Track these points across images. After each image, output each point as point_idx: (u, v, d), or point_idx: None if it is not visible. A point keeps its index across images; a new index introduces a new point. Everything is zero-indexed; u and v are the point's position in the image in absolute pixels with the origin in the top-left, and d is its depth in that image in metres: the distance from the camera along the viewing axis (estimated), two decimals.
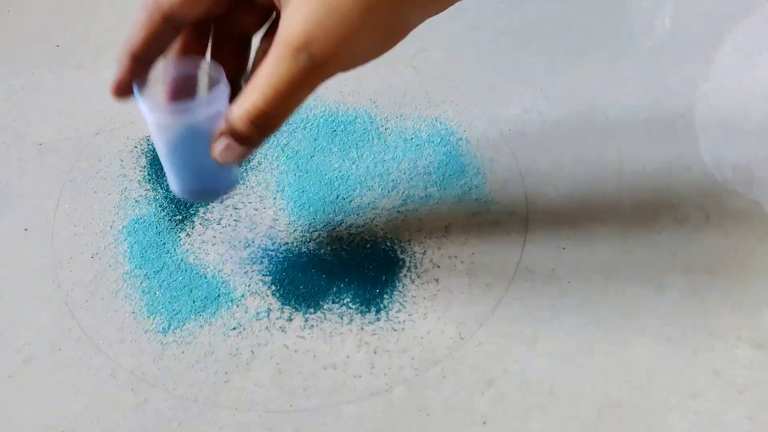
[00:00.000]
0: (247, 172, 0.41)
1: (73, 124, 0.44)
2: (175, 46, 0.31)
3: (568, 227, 0.38)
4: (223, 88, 0.29)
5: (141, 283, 0.36)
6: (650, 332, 0.34)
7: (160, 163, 0.42)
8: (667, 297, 0.35)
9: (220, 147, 0.29)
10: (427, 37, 0.48)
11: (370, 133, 0.43)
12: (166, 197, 0.40)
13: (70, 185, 0.41)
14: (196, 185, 0.33)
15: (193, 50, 0.31)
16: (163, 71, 0.31)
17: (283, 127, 0.43)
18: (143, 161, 0.42)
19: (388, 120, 0.43)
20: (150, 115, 0.30)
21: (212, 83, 0.30)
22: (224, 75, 0.30)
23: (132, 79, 0.30)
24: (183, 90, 0.31)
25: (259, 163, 0.41)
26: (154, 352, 0.34)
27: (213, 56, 0.32)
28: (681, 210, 0.38)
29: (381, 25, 0.27)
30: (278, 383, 0.33)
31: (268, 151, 0.42)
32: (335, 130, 0.43)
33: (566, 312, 0.35)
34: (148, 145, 0.43)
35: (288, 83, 0.27)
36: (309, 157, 0.42)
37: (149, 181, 0.41)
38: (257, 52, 0.32)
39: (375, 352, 0.34)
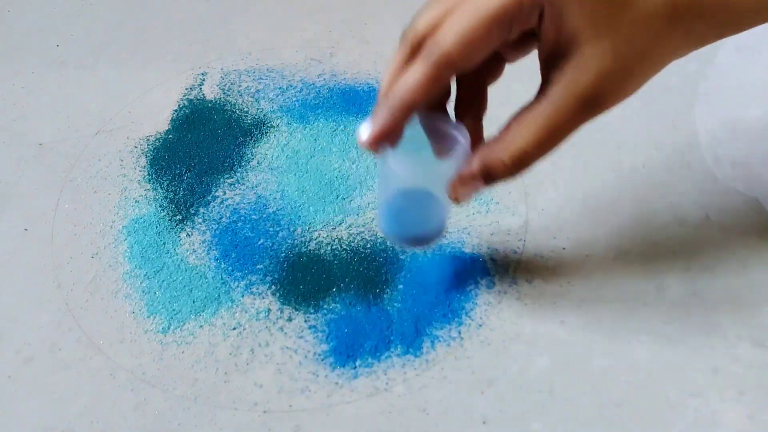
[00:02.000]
0: (246, 172, 0.41)
1: (73, 124, 0.44)
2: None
3: (568, 227, 0.38)
4: (464, 152, 0.29)
5: (141, 283, 0.37)
6: (650, 332, 0.34)
7: (160, 163, 0.42)
8: (667, 297, 0.35)
9: (468, 189, 0.29)
10: None
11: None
12: (166, 197, 0.40)
13: (70, 185, 0.41)
14: (410, 233, 0.34)
15: (445, 87, 0.29)
16: (425, 127, 0.30)
17: (284, 128, 0.43)
18: (143, 161, 0.42)
19: None
20: (394, 159, 0.29)
21: (453, 144, 0.30)
22: (467, 134, 0.30)
23: (396, 132, 0.28)
24: (444, 149, 0.30)
25: (259, 163, 0.41)
26: (154, 352, 0.34)
27: (458, 90, 0.31)
28: (681, 209, 0.38)
29: (654, 73, 0.28)
30: (278, 383, 0.33)
31: (268, 151, 0.42)
32: (335, 130, 0.43)
33: (566, 312, 0.35)
34: (147, 145, 0.43)
35: (566, 129, 0.27)
36: (309, 157, 0.42)
37: (149, 181, 0.41)
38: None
39: (376, 352, 0.34)
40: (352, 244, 0.37)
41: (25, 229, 0.39)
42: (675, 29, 0.26)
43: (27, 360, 0.34)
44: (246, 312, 0.35)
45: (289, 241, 0.38)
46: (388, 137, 0.28)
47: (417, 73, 0.27)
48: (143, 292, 0.36)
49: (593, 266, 0.36)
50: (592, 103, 0.27)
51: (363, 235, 0.38)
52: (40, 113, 0.45)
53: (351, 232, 0.38)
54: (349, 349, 0.34)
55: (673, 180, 0.40)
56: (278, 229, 0.38)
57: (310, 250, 0.37)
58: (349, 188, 0.40)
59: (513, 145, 0.28)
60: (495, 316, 0.35)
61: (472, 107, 0.31)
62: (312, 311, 0.35)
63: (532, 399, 0.32)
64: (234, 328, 0.35)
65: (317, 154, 0.42)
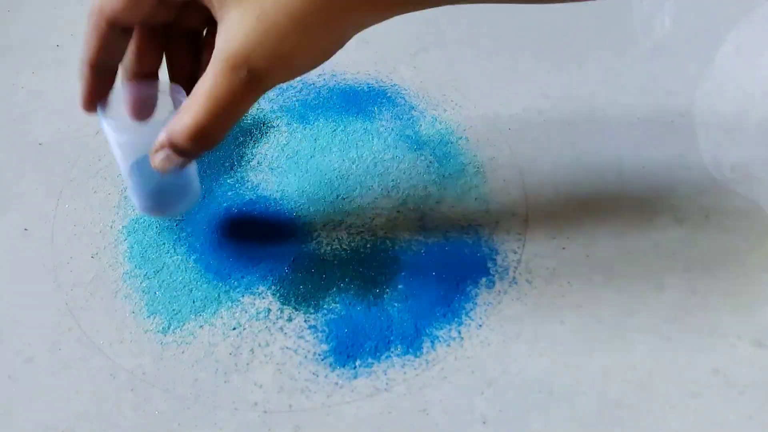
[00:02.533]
0: (246, 172, 0.41)
1: (73, 124, 0.44)
2: (129, 50, 0.31)
3: (568, 227, 0.38)
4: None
5: (141, 283, 0.36)
6: (650, 332, 0.34)
7: None
8: (667, 297, 0.35)
9: (160, 157, 0.29)
10: (427, 37, 0.49)
11: (370, 133, 0.43)
12: None
13: (70, 185, 0.41)
14: (157, 202, 0.35)
15: (147, 53, 0.31)
16: (123, 92, 0.31)
17: (284, 128, 0.43)
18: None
19: (388, 120, 0.43)
20: (112, 134, 0.31)
21: (175, 104, 0.31)
22: (184, 95, 0.30)
23: (96, 91, 0.31)
24: (143, 110, 0.32)
25: (259, 163, 0.41)
26: (154, 352, 0.34)
27: (167, 56, 0.32)
28: (681, 210, 0.38)
29: (317, 38, 0.27)
30: (278, 383, 0.33)
31: (268, 151, 0.42)
32: (335, 130, 0.43)
33: (566, 312, 0.35)
34: None
35: (227, 98, 0.27)
36: (309, 157, 0.42)
37: None
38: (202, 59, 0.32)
39: (376, 352, 0.34)
40: (352, 244, 0.37)
41: (25, 229, 0.39)
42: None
43: (27, 360, 0.34)
44: (246, 312, 0.35)
45: (289, 241, 0.38)
46: (89, 100, 0.31)
47: (85, 32, 0.29)
48: (143, 292, 0.36)
49: (593, 266, 0.36)
50: (242, 64, 0.27)
51: (363, 235, 0.38)
52: (40, 113, 0.45)
53: (351, 232, 0.38)
54: (349, 349, 0.34)
55: (673, 181, 0.40)
56: (278, 229, 0.38)
57: (310, 250, 0.37)
58: (349, 188, 0.40)
59: (187, 120, 0.28)
60: (495, 316, 0.35)
61: (185, 69, 0.32)
62: (312, 311, 0.35)
63: (532, 399, 0.32)
64: (234, 328, 0.35)
65: (317, 154, 0.42)
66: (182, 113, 0.28)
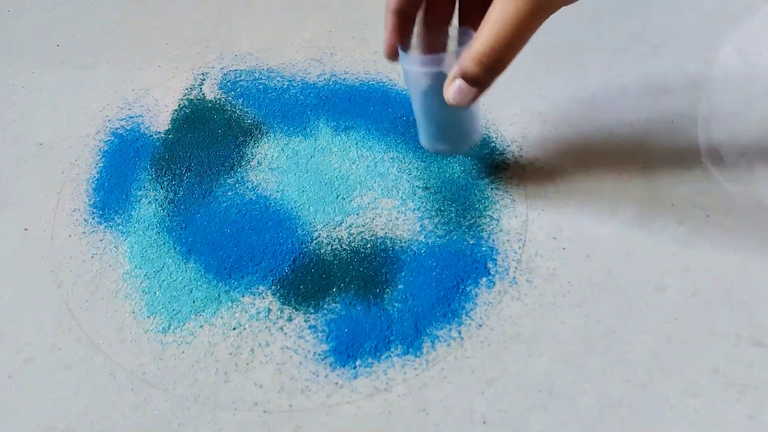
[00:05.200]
0: (246, 172, 0.41)
1: (73, 124, 0.44)
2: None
3: (568, 227, 0.38)
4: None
5: (141, 283, 0.36)
6: (650, 332, 0.34)
7: (160, 163, 0.42)
8: (667, 297, 0.35)
9: (453, 89, 0.31)
10: None
11: (370, 133, 0.43)
12: (166, 197, 0.40)
13: (70, 185, 0.41)
14: (442, 136, 0.37)
15: (443, 2, 0.33)
16: (417, 40, 0.34)
17: (284, 128, 0.43)
18: (144, 161, 0.42)
19: (388, 120, 0.43)
20: (406, 67, 0.34)
21: (461, 42, 0.33)
22: (473, 33, 0.32)
23: (400, 38, 0.33)
24: (436, 51, 0.34)
25: (259, 163, 0.41)
26: (154, 352, 0.34)
27: (459, 3, 0.34)
28: (681, 210, 0.38)
29: None
30: (278, 383, 0.33)
31: (268, 151, 0.42)
32: (335, 130, 0.43)
33: (566, 312, 0.35)
34: (148, 145, 0.43)
35: (514, 23, 0.28)
36: (309, 157, 0.42)
37: (149, 181, 0.41)
38: None
39: (376, 352, 0.34)
40: (352, 244, 0.37)
41: (25, 229, 0.39)
42: None
43: (27, 360, 0.34)
44: (246, 312, 0.35)
45: (289, 241, 0.38)
46: (391, 44, 0.33)
47: None
48: (143, 292, 0.36)
49: (593, 266, 0.36)
50: None
51: (363, 235, 0.38)
52: (40, 113, 0.45)
53: (351, 232, 0.38)
54: (349, 349, 0.34)
55: (674, 181, 0.40)
56: (278, 229, 0.38)
57: (310, 250, 0.37)
58: (349, 188, 0.40)
59: (477, 46, 0.30)
60: (495, 316, 0.35)
61: (477, 13, 0.33)
62: (312, 311, 0.35)
63: (532, 399, 0.32)
64: (234, 328, 0.35)
65: (317, 154, 0.42)
66: (472, 42, 0.30)
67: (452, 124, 0.36)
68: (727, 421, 0.31)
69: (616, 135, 0.42)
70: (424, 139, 0.38)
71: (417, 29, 0.34)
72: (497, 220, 0.38)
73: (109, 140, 0.43)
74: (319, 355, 0.34)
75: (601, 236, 0.37)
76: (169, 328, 0.35)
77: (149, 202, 0.40)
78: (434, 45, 0.34)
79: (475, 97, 0.31)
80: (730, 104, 0.43)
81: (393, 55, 0.34)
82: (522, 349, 0.33)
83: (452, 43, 0.34)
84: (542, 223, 0.38)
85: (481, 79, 0.30)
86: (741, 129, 0.42)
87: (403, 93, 0.45)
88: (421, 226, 0.38)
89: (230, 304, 0.36)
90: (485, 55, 0.29)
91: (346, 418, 0.32)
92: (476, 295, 0.35)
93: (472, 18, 0.33)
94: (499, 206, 0.39)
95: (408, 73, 0.34)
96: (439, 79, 0.33)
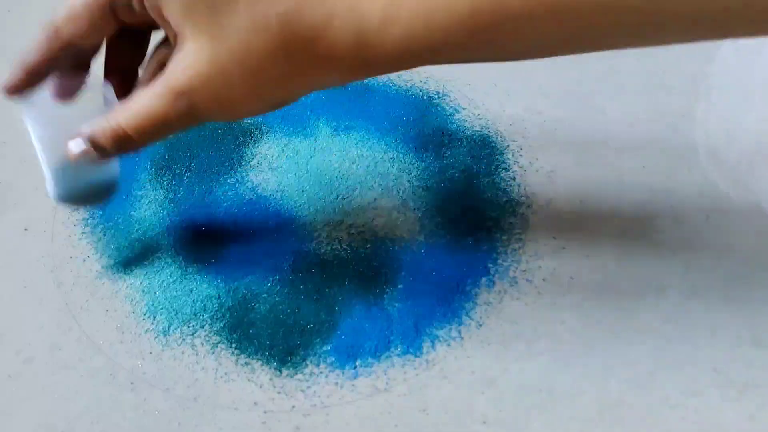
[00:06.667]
0: (246, 172, 0.41)
1: None
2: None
3: (568, 227, 0.38)
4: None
5: (141, 283, 0.36)
6: (650, 331, 0.34)
7: (161, 163, 0.42)
8: (667, 297, 0.35)
9: (76, 146, 0.29)
10: None
11: (370, 133, 0.43)
12: (166, 197, 0.40)
13: None
14: (66, 187, 0.34)
15: (94, 44, 0.31)
16: (51, 79, 0.32)
17: (284, 128, 0.43)
18: (143, 161, 0.42)
19: (388, 120, 0.43)
20: (30, 109, 0.32)
21: (105, 100, 0.32)
22: (113, 99, 0.31)
23: (23, 87, 0.31)
24: (66, 96, 0.32)
25: (259, 163, 0.41)
26: (154, 352, 0.34)
27: (108, 48, 0.32)
28: (681, 210, 0.38)
29: (266, 92, 0.28)
30: (278, 383, 0.33)
31: (268, 151, 0.42)
32: (335, 130, 0.43)
33: (566, 312, 0.35)
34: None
35: (162, 120, 0.28)
36: (309, 157, 0.42)
37: (149, 180, 0.41)
38: (149, 61, 0.32)
39: (376, 352, 0.34)
40: (352, 244, 0.37)
41: (25, 229, 0.39)
42: (294, 61, 0.26)
43: (27, 360, 0.34)
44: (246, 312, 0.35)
45: (289, 241, 0.38)
46: (13, 89, 0.31)
47: (34, 41, 0.30)
48: (143, 292, 0.36)
49: (593, 266, 0.36)
50: (185, 95, 0.27)
51: (363, 235, 0.38)
52: None
53: (351, 232, 0.38)
54: (349, 349, 0.34)
55: (673, 182, 0.40)
56: (278, 229, 0.38)
57: (310, 250, 0.37)
58: (349, 188, 0.40)
59: (115, 124, 0.28)
60: (495, 316, 0.35)
61: (123, 64, 0.32)
62: (312, 311, 0.35)
63: (532, 399, 0.32)
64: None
65: (317, 154, 0.42)
66: (113, 115, 0.29)
67: (79, 177, 0.34)
68: (727, 421, 0.31)
69: (616, 135, 0.42)
70: (52, 193, 0.35)
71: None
72: (497, 220, 0.38)
73: None
74: (320, 355, 0.34)
75: (601, 236, 0.37)
76: (169, 328, 0.35)
77: (149, 202, 0.40)
78: (67, 87, 0.32)
79: (96, 161, 0.30)
80: (729, 104, 0.43)
81: (13, 96, 0.31)
82: (522, 349, 0.33)
83: (89, 92, 0.32)
84: (542, 223, 0.38)
85: (108, 152, 0.29)
86: (740, 129, 0.42)
87: (404, 93, 0.45)
88: (421, 226, 0.38)
89: (231, 303, 0.36)
90: (122, 136, 0.28)
91: (346, 418, 0.32)
92: (476, 295, 0.35)
93: (119, 71, 0.32)
94: (499, 206, 0.39)
95: (28, 118, 0.32)
96: (64, 136, 0.30)
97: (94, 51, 0.31)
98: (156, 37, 0.32)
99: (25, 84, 0.31)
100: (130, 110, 0.28)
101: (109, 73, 0.32)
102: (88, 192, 0.35)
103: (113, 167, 0.35)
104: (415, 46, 0.25)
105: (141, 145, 0.29)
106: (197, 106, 0.27)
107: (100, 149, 0.29)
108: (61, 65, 0.31)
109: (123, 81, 0.32)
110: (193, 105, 0.27)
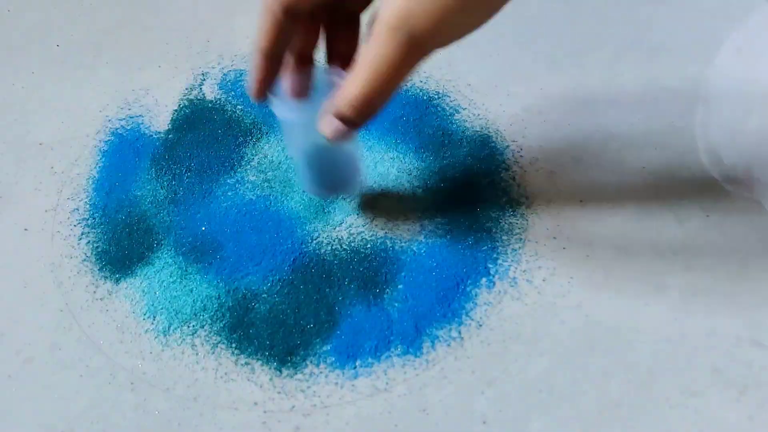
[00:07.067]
0: (246, 172, 0.41)
1: (73, 124, 0.44)
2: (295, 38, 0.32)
3: (568, 227, 0.38)
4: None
5: (141, 283, 0.36)
6: (650, 332, 0.34)
7: (160, 163, 0.42)
8: (667, 297, 0.35)
9: (328, 125, 0.30)
10: None
11: (370, 133, 0.43)
12: (166, 197, 0.40)
13: (70, 185, 0.41)
14: (326, 182, 0.37)
15: (311, 36, 0.33)
16: (284, 80, 0.33)
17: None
18: (144, 161, 0.42)
19: (388, 120, 0.43)
20: (280, 114, 0.33)
21: (334, 83, 0.32)
22: (343, 74, 0.31)
23: (268, 79, 0.32)
24: (303, 93, 0.34)
25: (259, 163, 0.41)
26: (154, 352, 0.34)
27: (327, 39, 0.33)
28: (681, 210, 0.38)
29: (476, 3, 0.27)
30: (278, 383, 0.33)
31: (268, 151, 0.42)
32: None
33: (566, 312, 0.35)
34: (148, 145, 0.43)
35: (388, 64, 0.28)
36: None
37: (149, 180, 0.41)
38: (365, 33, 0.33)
39: (376, 352, 0.34)
40: (352, 244, 0.37)
41: (25, 229, 0.39)
42: None
43: (27, 360, 0.34)
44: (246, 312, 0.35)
45: (289, 241, 0.38)
46: (259, 86, 0.32)
47: (260, 21, 0.30)
48: (143, 292, 0.36)
49: (593, 266, 0.36)
50: (401, 26, 0.27)
51: (363, 235, 0.38)
52: (40, 113, 0.45)
53: (351, 232, 0.38)
54: (349, 349, 0.34)
55: (674, 181, 0.40)
56: (278, 229, 0.38)
57: (310, 250, 0.37)
58: None
59: (351, 89, 0.29)
60: (495, 316, 0.35)
61: (345, 51, 0.33)
62: (312, 311, 0.35)
63: (532, 399, 0.32)
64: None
65: None
66: (346, 83, 0.29)
67: (331, 166, 0.36)
68: (727, 421, 0.31)
69: (616, 135, 0.42)
70: (307, 185, 0.38)
71: (284, 70, 0.33)
72: (497, 220, 0.38)
73: (109, 140, 0.43)
74: (319, 355, 0.34)
75: (601, 236, 0.37)
76: (169, 328, 0.35)
77: (149, 202, 0.40)
78: (302, 87, 0.34)
79: (350, 135, 0.31)
80: (729, 104, 0.43)
81: (262, 96, 0.33)
82: (522, 349, 0.33)
83: (323, 82, 0.33)
84: (542, 223, 0.38)
85: (355, 122, 0.30)
86: (741, 129, 0.42)
87: (404, 93, 0.45)
88: (421, 226, 0.38)
89: (230, 303, 0.36)
90: (359, 100, 0.29)
91: (346, 418, 0.32)
92: (476, 295, 0.35)
93: (341, 57, 0.33)
94: (499, 206, 0.39)
95: (287, 122, 0.34)
96: (312, 125, 0.32)
97: (314, 42, 0.33)
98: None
99: (268, 72, 0.32)
100: (358, 73, 0.28)
101: (330, 61, 0.33)
102: (342, 180, 0.38)
103: (356, 156, 0.37)
104: None
105: (381, 102, 0.29)
106: (416, 32, 0.27)
107: (348, 121, 0.30)
108: (288, 39, 0.31)
109: (344, 68, 0.33)
110: (412, 32, 0.27)
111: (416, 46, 0.27)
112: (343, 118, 0.30)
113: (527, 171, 0.40)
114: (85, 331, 0.35)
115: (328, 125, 0.30)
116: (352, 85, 0.29)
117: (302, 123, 0.33)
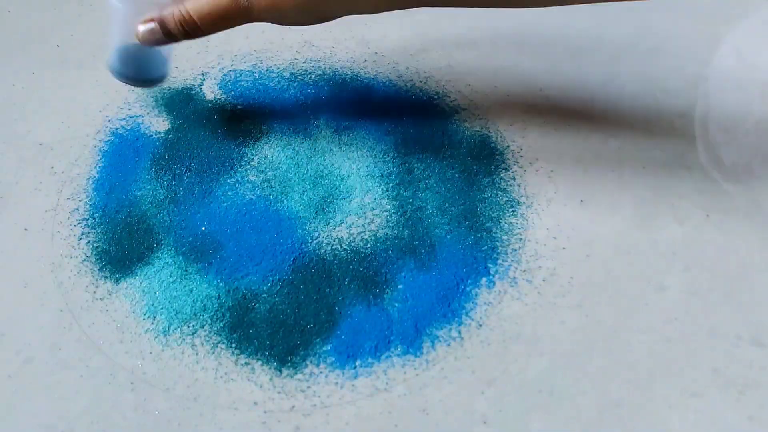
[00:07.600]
0: (246, 172, 0.41)
1: (73, 124, 0.44)
2: None
3: (568, 227, 0.38)
4: None
5: (141, 283, 0.36)
6: (650, 332, 0.34)
7: (160, 163, 0.42)
8: (667, 297, 0.35)
9: (146, 27, 0.35)
10: (427, 37, 0.49)
11: (370, 133, 0.43)
12: (166, 197, 0.40)
13: (70, 185, 0.41)
14: (127, 64, 0.38)
15: None
16: None
17: (285, 127, 0.43)
18: (144, 161, 0.42)
19: (388, 120, 0.43)
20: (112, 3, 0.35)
21: None
22: None
23: None
24: None
25: (259, 163, 0.41)
26: (154, 352, 0.34)
27: None
28: (681, 210, 0.38)
29: (311, 8, 0.34)
30: (278, 383, 0.33)
31: (268, 151, 0.42)
32: (336, 130, 0.43)
33: (566, 312, 0.35)
34: (147, 144, 0.43)
35: (223, 14, 0.34)
36: (309, 157, 0.42)
37: (149, 180, 0.41)
38: None
39: (376, 352, 0.34)
40: (352, 244, 0.37)
41: (25, 229, 0.39)
42: None
43: (27, 360, 0.34)
44: (246, 312, 0.35)
45: (289, 241, 0.38)
46: None
47: None
48: (143, 292, 0.36)
49: (593, 266, 0.36)
50: (246, 1, 0.33)
51: (363, 235, 0.38)
52: (40, 113, 0.45)
53: (351, 232, 0.38)
54: (349, 349, 0.34)
55: (673, 181, 0.40)
56: (278, 229, 0.38)
57: (310, 250, 0.37)
58: (349, 188, 0.40)
59: (185, 11, 0.34)
60: (495, 316, 0.35)
61: None
62: (312, 311, 0.35)
63: (532, 399, 0.32)
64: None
65: (317, 154, 0.42)
66: (183, 3, 0.34)
67: (137, 54, 0.38)
68: (727, 421, 0.31)
69: (616, 135, 0.42)
70: (109, 62, 0.39)
71: None
72: (497, 220, 0.38)
73: (109, 140, 0.43)
74: (320, 355, 0.34)
75: (601, 236, 0.37)
76: (169, 328, 0.35)
77: (149, 202, 0.40)
78: None
79: (162, 44, 0.35)
80: (728, 104, 0.43)
81: None
82: (522, 349, 0.34)
83: None
84: (542, 223, 0.38)
85: (173, 36, 0.35)
86: (740, 129, 0.42)
87: (404, 93, 0.45)
88: (421, 225, 0.38)
89: (231, 304, 0.36)
90: (189, 23, 0.34)
91: (346, 418, 0.32)
92: (476, 295, 0.35)
93: None
94: (499, 206, 0.39)
95: (110, 3, 0.36)
96: (138, 14, 0.35)
97: None
98: None
99: None
100: (199, 1, 0.34)
101: None
102: (142, 74, 0.39)
103: (167, 63, 0.40)
104: None
105: (203, 34, 0.35)
106: (253, 7, 0.33)
107: (167, 32, 0.35)
108: None
109: None
110: (251, 5, 0.33)
111: (249, 15, 0.34)
112: (164, 27, 0.34)
113: (527, 171, 0.40)
114: (85, 331, 0.35)
115: (144, 29, 0.34)
116: (188, 6, 0.34)
117: (127, 13, 0.36)
